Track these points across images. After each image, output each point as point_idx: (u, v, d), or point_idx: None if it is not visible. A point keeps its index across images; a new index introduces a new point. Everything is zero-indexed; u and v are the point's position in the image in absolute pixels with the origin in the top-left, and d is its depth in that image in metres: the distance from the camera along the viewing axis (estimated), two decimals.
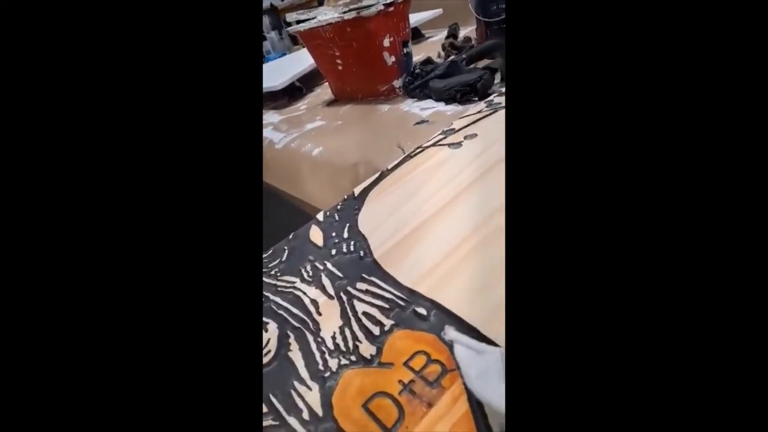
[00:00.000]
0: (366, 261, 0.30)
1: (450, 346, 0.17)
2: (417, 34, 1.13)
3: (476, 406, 0.19)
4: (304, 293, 0.29)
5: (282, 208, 0.70)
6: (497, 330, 0.21)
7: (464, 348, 0.16)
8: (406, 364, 0.22)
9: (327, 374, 0.22)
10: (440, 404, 0.19)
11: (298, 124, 0.71)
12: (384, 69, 0.68)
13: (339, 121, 0.67)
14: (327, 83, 0.82)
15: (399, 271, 0.28)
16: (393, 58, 0.67)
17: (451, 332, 0.17)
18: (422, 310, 0.25)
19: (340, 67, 0.72)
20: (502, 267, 0.26)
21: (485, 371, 0.15)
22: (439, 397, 0.19)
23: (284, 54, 1.51)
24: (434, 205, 0.35)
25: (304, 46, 0.80)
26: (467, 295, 0.25)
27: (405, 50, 0.70)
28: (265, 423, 0.21)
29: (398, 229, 0.33)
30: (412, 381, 0.21)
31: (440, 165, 0.41)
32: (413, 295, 0.26)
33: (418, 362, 0.21)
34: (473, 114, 0.50)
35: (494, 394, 0.14)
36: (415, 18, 1.09)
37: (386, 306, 0.26)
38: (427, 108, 0.60)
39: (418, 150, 0.45)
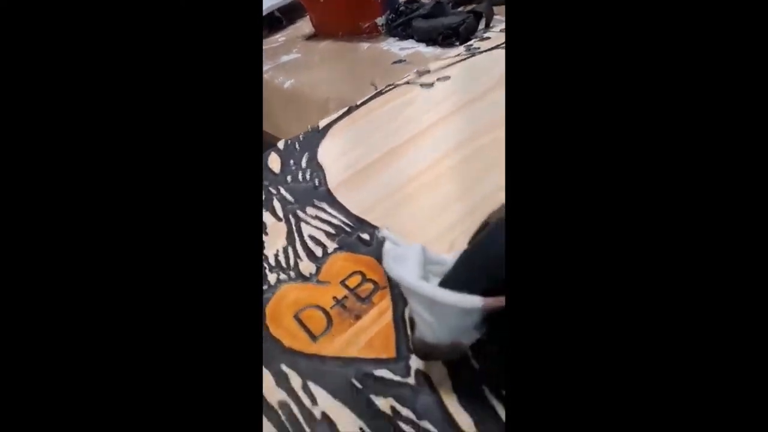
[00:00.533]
0: (320, 190, 0.30)
1: (382, 241, 0.17)
2: None
3: (399, 319, 0.19)
4: None
5: None
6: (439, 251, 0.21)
7: (391, 243, 0.17)
8: (342, 282, 0.22)
9: (265, 287, 0.23)
10: (367, 317, 0.20)
11: (273, 56, 0.68)
12: (368, 4, 0.64)
13: (316, 55, 0.64)
14: (308, 17, 0.78)
15: (350, 200, 0.28)
16: None
17: (384, 231, 0.17)
18: (366, 236, 0.25)
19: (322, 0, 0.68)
20: (449, 202, 0.27)
21: (402, 255, 0.16)
22: (368, 311, 0.20)
23: None
24: (394, 141, 0.34)
25: None
26: (413, 223, 0.25)
27: None
28: None
29: (356, 161, 0.33)
30: (345, 297, 0.21)
31: (408, 104, 0.40)
32: (360, 223, 0.26)
33: (354, 281, 0.22)
34: (451, 57, 0.48)
35: (405, 272, 0.15)
36: None
37: (332, 231, 0.26)
38: (407, 48, 0.57)
39: (389, 87, 0.44)
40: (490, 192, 0.26)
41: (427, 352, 0.16)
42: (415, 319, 0.15)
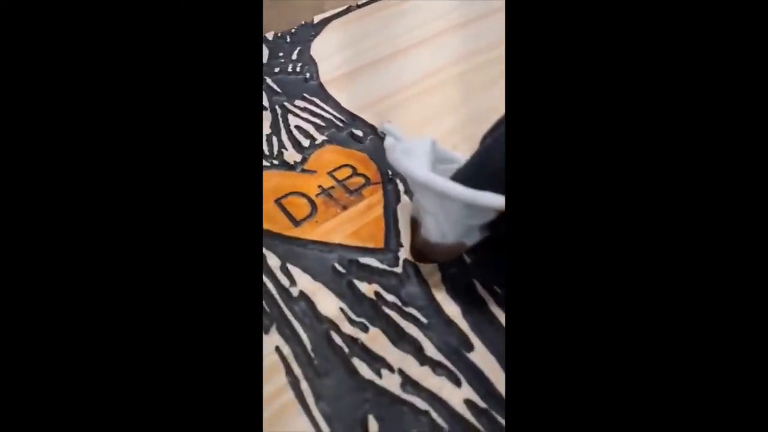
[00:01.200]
0: (311, 83, 0.27)
1: (383, 137, 0.16)
2: None
3: (391, 216, 0.18)
4: None
5: None
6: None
7: (393, 138, 0.15)
8: (330, 173, 0.20)
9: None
10: (354, 209, 0.18)
11: None
12: None
13: None
14: None
15: (344, 96, 0.26)
16: None
17: (387, 125, 0.16)
18: (359, 132, 0.23)
19: None
20: (450, 108, 0.25)
21: (411, 149, 0.14)
22: (356, 203, 0.19)
23: None
24: (396, 46, 0.31)
25: None
26: (411, 125, 0.23)
27: None
28: None
29: (353, 59, 0.30)
30: (332, 187, 0.20)
31: (414, 10, 0.36)
32: (354, 119, 0.24)
33: (343, 173, 0.20)
34: None
35: (415, 166, 0.13)
36: None
37: (322, 124, 0.24)
38: None
39: None
40: (496, 104, 0.25)
41: (427, 252, 0.15)
42: (422, 216, 0.14)
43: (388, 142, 0.15)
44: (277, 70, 0.29)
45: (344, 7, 0.37)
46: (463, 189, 0.13)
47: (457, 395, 0.12)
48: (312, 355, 0.14)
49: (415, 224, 0.15)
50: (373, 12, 0.36)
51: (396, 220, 0.18)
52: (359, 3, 0.38)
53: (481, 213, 0.13)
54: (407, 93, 0.26)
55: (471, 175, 0.14)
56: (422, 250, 0.15)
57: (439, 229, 0.14)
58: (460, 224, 0.14)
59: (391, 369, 0.13)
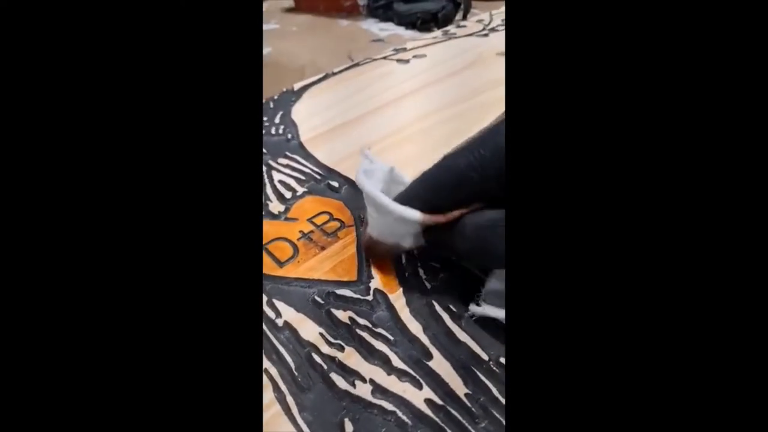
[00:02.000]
0: (292, 143, 0.31)
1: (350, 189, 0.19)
2: None
3: (362, 253, 0.21)
4: None
5: None
6: None
7: (368, 161, 0.19)
8: (309, 219, 0.23)
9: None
10: (332, 248, 0.21)
11: None
12: None
13: (294, 27, 0.64)
14: None
15: (322, 152, 0.30)
16: None
17: (366, 151, 0.20)
18: (335, 183, 0.26)
19: None
20: (417, 158, 0.28)
21: (372, 170, 0.19)
22: (333, 244, 0.22)
23: None
24: (370, 106, 0.36)
25: None
26: None
27: None
28: None
29: (330, 120, 0.34)
30: (311, 231, 0.22)
31: (385, 75, 0.41)
32: (330, 172, 0.27)
33: (321, 219, 0.23)
34: (428, 39, 0.50)
35: (369, 183, 0.18)
36: None
37: (303, 178, 0.27)
38: (386, 29, 0.59)
39: (366, 60, 0.45)
40: None
41: (371, 245, 0.19)
42: (368, 219, 0.19)
43: (363, 164, 0.19)
44: (262, 132, 0.33)
45: (321, 75, 0.42)
46: (390, 202, 0.17)
47: (419, 396, 0.15)
48: (296, 373, 0.16)
49: (364, 223, 0.20)
50: (348, 78, 0.41)
51: (368, 256, 0.21)
52: (335, 71, 0.43)
53: (405, 223, 0.17)
54: (378, 146, 0.30)
55: (408, 195, 0.17)
56: (368, 246, 0.19)
57: (380, 231, 0.18)
58: (395, 230, 0.17)
59: (363, 380, 0.15)
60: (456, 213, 0.15)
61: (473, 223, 0.15)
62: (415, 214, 0.16)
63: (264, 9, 0.77)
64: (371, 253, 0.20)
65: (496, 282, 0.17)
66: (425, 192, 0.16)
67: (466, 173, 0.15)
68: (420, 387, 0.15)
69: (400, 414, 0.14)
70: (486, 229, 0.15)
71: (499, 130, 0.15)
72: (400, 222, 0.17)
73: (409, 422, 0.14)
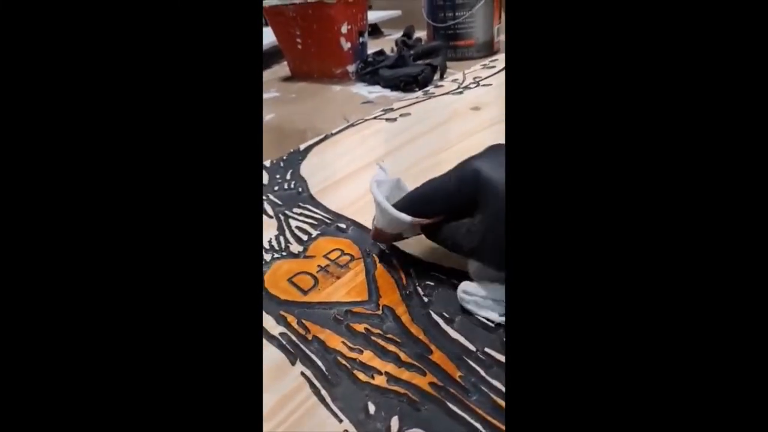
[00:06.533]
0: (303, 195, 0.37)
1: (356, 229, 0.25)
2: (377, 31, 1.20)
3: (371, 279, 0.26)
4: None
5: None
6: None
7: (382, 172, 0.26)
8: (325, 255, 0.28)
9: (262, 263, 0.28)
10: (345, 277, 0.26)
11: None
12: (340, 53, 0.74)
13: (293, 94, 0.72)
14: (285, 62, 0.87)
15: (329, 201, 0.35)
16: (349, 44, 0.74)
17: (381, 164, 0.27)
18: (343, 225, 0.31)
19: (299, 46, 0.78)
20: None
21: (382, 180, 0.26)
22: (346, 273, 0.26)
23: None
24: (366, 159, 0.42)
25: (267, 25, 0.84)
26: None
27: (361, 39, 0.76)
28: None
29: (334, 173, 0.40)
30: (327, 265, 0.27)
31: (376, 133, 0.48)
32: (338, 217, 0.33)
33: (335, 254, 0.28)
34: (411, 99, 0.57)
35: (377, 190, 0.24)
36: (376, 15, 1.16)
37: (315, 223, 0.32)
38: (374, 92, 0.67)
39: (360, 121, 0.52)
40: None
41: (379, 233, 0.26)
42: (377, 215, 0.25)
43: (377, 173, 0.26)
44: (276, 188, 0.38)
45: (322, 136, 0.49)
46: (390, 207, 0.23)
47: (424, 381, 0.19)
48: (327, 373, 0.20)
49: (374, 217, 0.26)
50: (344, 138, 0.48)
51: (375, 280, 0.25)
52: (333, 132, 0.50)
53: (399, 222, 0.23)
54: None
55: (403, 202, 0.24)
56: (376, 234, 0.26)
57: (384, 225, 0.25)
58: (394, 225, 0.24)
59: (380, 373, 0.20)
60: (435, 219, 0.23)
61: (447, 225, 0.23)
62: (406, 218, 0.23)
63: (264, 79, 0.86)
64: (379, 239, 0.27)
65: (473, 264, 0.23)
66: (412, 203, 0.24)
67: (437, 191, 0.23)
68: (424, 374, 0.19)
69: (410, 394, 0.18)
70: (455, 228, 0.22)
71: (461, 165, 0.22)
72: (397, 221, 0.23)
73: (418, 400, 0.18)
